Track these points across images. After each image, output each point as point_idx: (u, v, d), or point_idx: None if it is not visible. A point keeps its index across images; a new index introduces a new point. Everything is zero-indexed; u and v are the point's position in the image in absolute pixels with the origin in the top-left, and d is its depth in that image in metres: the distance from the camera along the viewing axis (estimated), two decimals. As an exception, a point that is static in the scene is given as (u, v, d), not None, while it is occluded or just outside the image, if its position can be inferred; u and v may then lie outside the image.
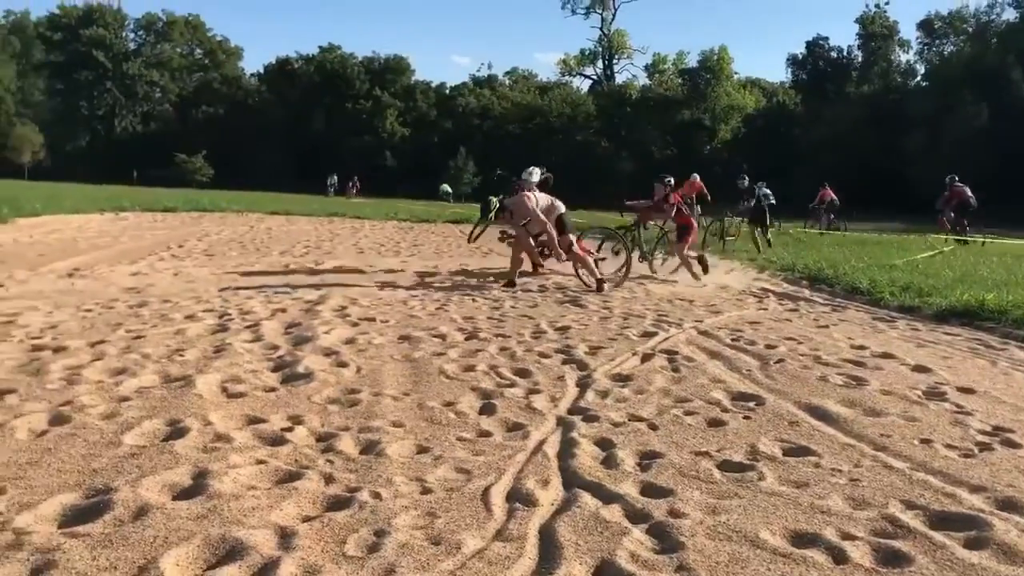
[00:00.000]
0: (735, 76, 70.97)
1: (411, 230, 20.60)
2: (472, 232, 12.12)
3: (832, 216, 25.76)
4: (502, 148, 63.72)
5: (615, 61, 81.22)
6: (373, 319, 6.78)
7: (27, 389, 4.21)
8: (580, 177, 48.30)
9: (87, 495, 2.87)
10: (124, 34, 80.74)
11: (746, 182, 19.86)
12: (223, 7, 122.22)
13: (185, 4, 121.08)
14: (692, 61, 72.94)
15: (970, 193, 20.49)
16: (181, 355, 5.17)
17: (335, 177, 48.99)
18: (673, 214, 11.48)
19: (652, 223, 12.30)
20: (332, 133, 67.23)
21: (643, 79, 77.46)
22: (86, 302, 7.18)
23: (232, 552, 2.48)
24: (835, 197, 25.77)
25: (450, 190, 49.04)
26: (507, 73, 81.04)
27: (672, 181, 11.89)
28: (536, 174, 10.79)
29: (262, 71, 79.49)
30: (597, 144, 66.09)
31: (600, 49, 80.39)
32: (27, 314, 6.43)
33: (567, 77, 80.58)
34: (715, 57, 69.78)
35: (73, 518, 2.69)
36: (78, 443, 3.41)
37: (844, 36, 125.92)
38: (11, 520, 2.62)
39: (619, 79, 79.59)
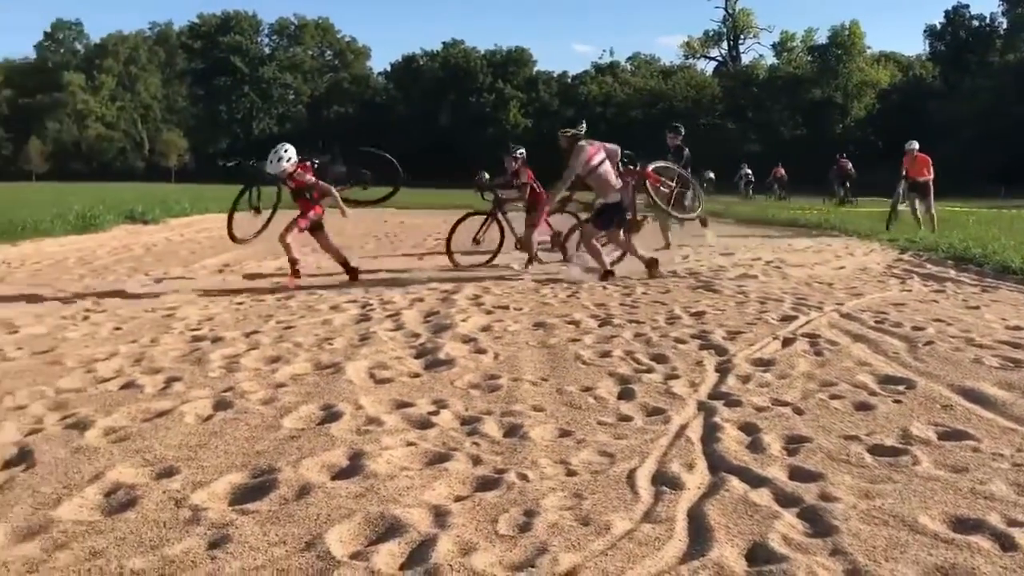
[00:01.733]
0: (868, 51, 68.06)
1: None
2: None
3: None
4: (626, 134, 63.17)
5: (741, 41, 79.25)
6: (507, 307, 6.88)
7: (191, 377, 4.49)
8: (706, 161, 47.36)
9: (253, 475, 3.04)
10: (259, 39, 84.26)
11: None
12: (351, 8, 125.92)
13: (315, 7, 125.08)
14: (821, 37, 70.46)
15: None
16: (330, 343, 5.39)
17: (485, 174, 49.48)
18: (528, 193, 10.45)
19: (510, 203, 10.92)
20: (456, 127, 68.27)
21: (770, 58, 75.31)
22: (237, 296, 7.57)
23: (391, 529, 2.58)
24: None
25: None
26: (629, 59, 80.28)
27: (524, 154, 10.74)
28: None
29: (389, 69, 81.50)
30: (723, 127, 64.73)
31: (725, 30, 78.55)
32: (185, 307, 6.84)
33: (691, 60, 79.21)
34: (846, 32, 67.11)
35: (242, 496, 2.86)
36: (241, 427, 3.62)
37: (986, 3, 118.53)
38: (187, 497, 2.80)
39: (745, 59, 77.60)
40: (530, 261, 10.10)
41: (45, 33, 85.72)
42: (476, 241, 10.81)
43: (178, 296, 7.54)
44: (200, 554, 2.40)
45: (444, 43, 77.97)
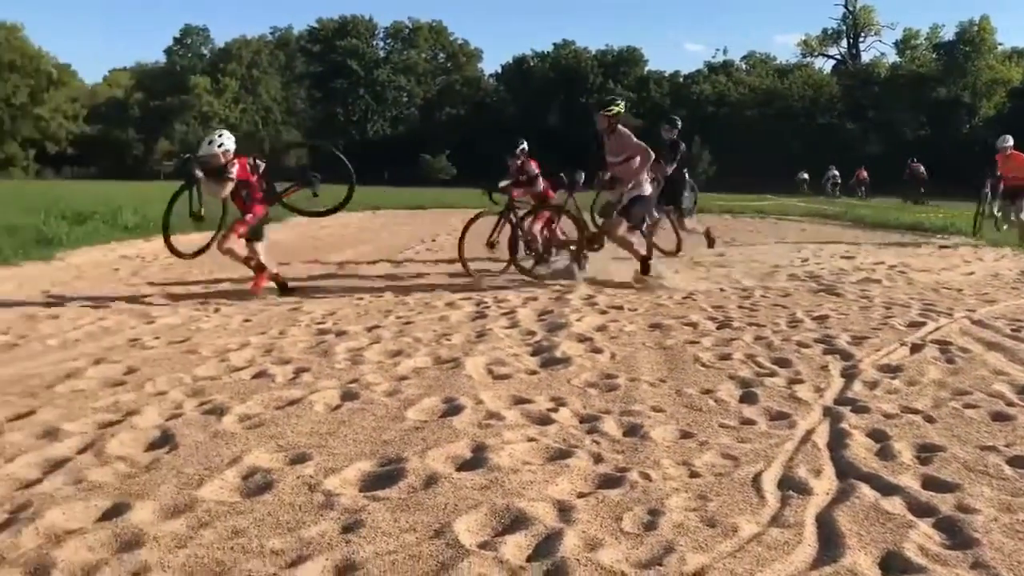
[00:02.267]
0: (999, 47, 64.75)
1: (649, 221, 20.55)
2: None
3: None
4: (739, 135, 62.00)
5: (861, 39, 76.59)
6: (621, 307, 6.85)
7: (318, 368, 4.65)
8: (822, 162, 46.08)
9: (381, 463, 3.13)
10: (375, 43, 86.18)
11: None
12: (464, 11, 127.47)
13: (429, 10, 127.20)
14: (948, 34, 67.41)
15: None
16: (448, 339, 5.49)
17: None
18: (540, 188, 9.89)
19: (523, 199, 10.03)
20: (565, 127, 68.28)
21: (892, 56, 72.50)
22: (357, 291, 7.79)
23: (517, 521, 2.61)
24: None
25: None
26: (743, 57, 78.57)
27: (526, 148, 10.03)
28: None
29: (500, 71, 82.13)
30: (841, 127, 62.73)
31: (845, 27, 76.07)
32: (308, 302, 7.08)
33: (808, 58, 76.98)
34: (975, 28, 64.01)
35: (372, 483, 2.94)
36: (368, 417, 3.72)
37: None
38: (320, 483, 2.91)
39: (865, 57, 74.96)
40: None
41: (174, 38, 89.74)
42: (491, 245, 9.68)
43: (301, 290, 7.80)
44: (335, 537, 2.48)
45: (555, 44, 78.14)
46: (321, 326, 5.97)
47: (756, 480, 3.04)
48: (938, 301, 7.34)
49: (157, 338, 5.48)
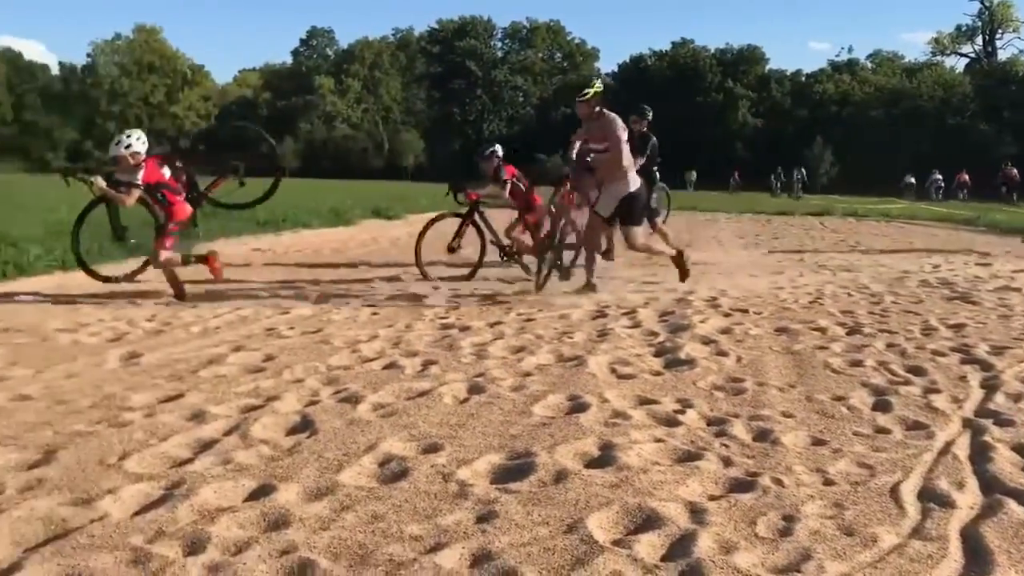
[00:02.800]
0: None
1: (769, 223, 20.10)
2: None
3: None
4: (863, 135, 59.91)
5: (998, 36, 72.84)
6: (746, 310, 6.74)
7: (445, 361, 4.75)
8: (952, 164, 44.14)
9: (510, 457, 3.18)
10: (493, 43, 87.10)
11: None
12: (582, 10, 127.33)
13: (547, 10, 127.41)
14: (1098, 29, 63.30)
15: None
16: (569, 337, 5.52)
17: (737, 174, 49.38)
18: (509, 192, 9.06)
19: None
20: (682, 127, 67.37)
21: (1032, 54, 68.62)
22: (478, 288, 7.91)
23: (649, 521, 2.61)
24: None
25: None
26: (869, 56, 75.93)
27: (499, 151, 9.27)
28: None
29: (616, 70, 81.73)
30: (973, 128, 59.76)
31: (980, 24, 72.49)
32: (433, 297, 7.24)
33: (939, 57, 73.77)
34: None
35: (502, 476, 3.00)
36: (495, 410, 3.78)
37: None
38: (454, 472, 2.98)
39: (1002, 55, 71.24)
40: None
41: (301, 40, 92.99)
42: (451, 250, 9.06)
43: (425, 286, 7.97)
44: (470, 527, 2.54)
45: (673, 42, 77.28)
46: (444, 321, 6.10)
47: (894, 490, 2.95)
48: (1087, 313, 6.92)
49: (291, 328, 5.71)
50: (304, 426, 3.51)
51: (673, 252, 7.88)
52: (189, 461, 3.09)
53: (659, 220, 10.94)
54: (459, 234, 9.02)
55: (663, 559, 2.38)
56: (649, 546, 2.44)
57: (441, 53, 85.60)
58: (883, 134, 59.71)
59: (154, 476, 2.93)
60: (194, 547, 2.39)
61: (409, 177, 71.06)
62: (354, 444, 3.27)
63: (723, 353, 5.12)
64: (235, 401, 3.85)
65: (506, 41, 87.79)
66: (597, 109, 7.34)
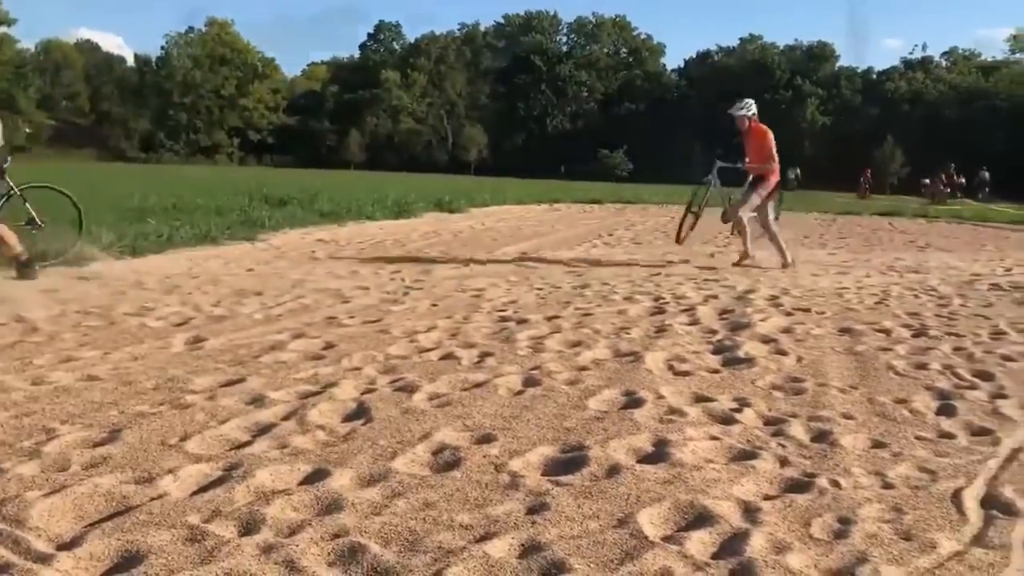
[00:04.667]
0: None
1: (834, 222, 19.71)
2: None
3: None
4: (936, 135, 58.36)
5: (1082, 32, 70.25)
6: (808, 310, 6.62)
7: (502, 353, 4.77)
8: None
9: (563, 450, 3.18)
10: (558, 38, 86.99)
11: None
12: (649, 5, 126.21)
13: (613, 4, 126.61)
14: None
15: None
16: (627, 333, 5.49)
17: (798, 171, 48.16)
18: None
19: None
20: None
21: (1121, 50, 66.04)
22: (537, 282, 7.91)
23: (701, 518, 2.59)
24: None
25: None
26: (944, 54, 73.83)
27: None
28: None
29: (683, 65, 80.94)
30: (1054, 128, 57.75)
31: (1064, 19, 69.97)
32: (491, 290, 7.26)
33: (1018, 54, 71.37)
34: None
35: (554, 468, 3.00)
36: (549, 404, 3.78)
37: None
38: (506, 463, 2.99)
39: (1088, 52, 68.66)
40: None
41: (368, 34, 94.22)
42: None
43: (485, 279, 8.01)
44: (520, 518, 2.55)
45: (741, 38, 76.30)
46: (502, 313, 6.12)
47: (956, 496, 2.87)
48: None
49: (352, 317, 5.78)
50: (360, 413, 3.56)
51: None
52: (247, 444, 3.16)
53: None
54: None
55: (714, 556, 2.35)
56: (700, 543, 2.42)
57: (506, 48, 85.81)
58: (957, 134, 58.07)
59: (213, 457, 3.00)
60: (249, 527, 2.44)
61: (472, 171, 71.39)
62: (408, 432, 3.31)
63: (783, 352, 5.04)
64: (294, 387, 3.92)
65: (571, 36, 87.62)
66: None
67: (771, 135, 9.48)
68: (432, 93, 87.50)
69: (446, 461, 3.01)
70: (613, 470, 2.96)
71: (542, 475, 2.94)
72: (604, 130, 74.23)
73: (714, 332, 5.60)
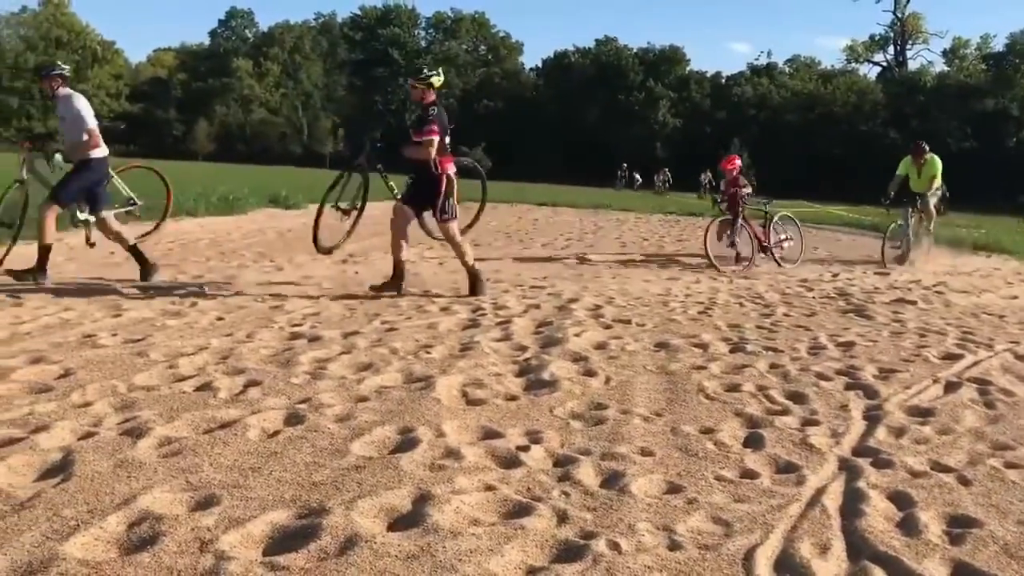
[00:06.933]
0: (1052, 59, 63.14)
1: (677, 223, 19.92)
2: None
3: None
4: (779, 138, 60.96)
5: (908, 46, 75.16)
6: (628, 321, 6.30)
7: (272, 382, 4.14)
8: (864, 170, 45.07)
9: (300, 514, 2.62)
10: (416, 32, 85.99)
11: None
12: (507, 3, 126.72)
13: (472, 1, 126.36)
14: (999, 45, 65.86)
15: None
16: (428, 352, 4.98)
17: (626, 167, 48.36)
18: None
19: None
20: (603, 125, 67.52)
21: (940, 65, 71.00)
22: (352, 288, 7.31)
23: (436, 611, 2.10)
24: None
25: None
26: (787, 61, 77.46)
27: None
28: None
29: (540, 65, 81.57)
30: (884, 135, 61.37)
31: (892, 34, 74.64)
32: (294, 300, 6.60)
33: (853, 64, 75.73)
34: (1027, 39, 62.45)
35: (278, 542, 2.44)
36: (305, 448, 3.22)
37: None
38: (216, 539, 2.41)
39: (912, 65, 73.49)
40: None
41: (219, 21, 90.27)
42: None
43: (294, 287, 7.34)
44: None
45: (597, 40, 77.46)
46: (296, 329, 5.48)
47: (748, 558, 2.51)
48: (977, 329, 6.72)
49: (114, 335, 5.01)
50: (60, 469, 2.89)
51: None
52: None
53: None
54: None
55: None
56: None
57: (364, 40, 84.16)
58: (798, 137, 60.85)
59: None
60: None
61: (328, 164, 69.55)
62: (109, 496, 2.67)
63: (591, 373, 4.65)
64: (-8, 431, 3.20)
65: (430, 31, 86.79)
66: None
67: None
68: (286, 83, 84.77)
69: (140, 538, 2.41)
70: (350, 543, 2.43)
71: (259, 553, 2.38)
72: (463, 126, 73.94)
73: (524, 349, 5.18)
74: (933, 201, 12.29)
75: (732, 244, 10.65)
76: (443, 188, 7.03)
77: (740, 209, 10.81)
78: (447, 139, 7.19)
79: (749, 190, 11.27)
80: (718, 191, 12.07)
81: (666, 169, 46.97)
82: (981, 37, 69.32)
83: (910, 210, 11.90)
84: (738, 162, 11.76)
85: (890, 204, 12.23)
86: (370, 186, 7.75)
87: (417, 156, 7.07)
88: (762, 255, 10.90)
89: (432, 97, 7.18)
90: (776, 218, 11.58)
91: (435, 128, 6.97)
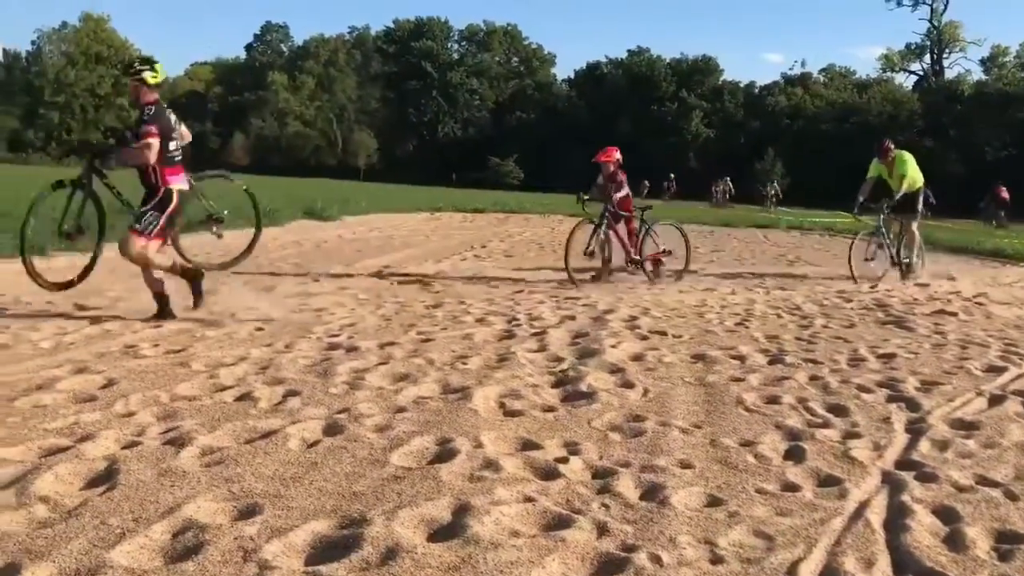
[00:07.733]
0: (1093, 66, 62.05)
1: (712, 234, 19.82)
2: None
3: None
4: (814, 149, 60.46)
5: (945, 55, 74.21)
6: (665, 333, 6.27)
7: (311, 392, 4.18)
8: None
9: (340, 524, 2.64)
10: (449, 45, 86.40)
11: None
12: (539, 15, 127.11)
13: (504, 13, 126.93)
14: (1038, 52, 64.73)
15: None
16: (464, 363, 4.98)
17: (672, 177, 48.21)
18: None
19: None
20: (636, 136, 67.35)
21: (978, 74, 70.00)
22: (387, 301, 7.35)
23: (479, 621, 2.10)
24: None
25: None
26: (822, 70, 76.69)
27: None
28: None
29: (572, 76, 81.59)
30: (920, 145, 60.51)
31: (928, 42, 73.74)
32: (332, 310, 6.65)
33: (889, 73, 74.87)
34: (1069, 46, 61.38)
35: (320, 552, 2.46)
36: (345, 458, 3.24)
37: None
38: (260, 548, 2.43)
39: (949, 74, 72.54)
40: None
41: (255, 35, 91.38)
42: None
43: (331, 298, 7.39)
44: (248, 632, 2.00)
45: (629, 51, 77.33)
46: (333, 339, 5.52)
47: (792, 572, 2.48)
48: (1021, 341, 6.59)
49: (156, 345, 5.10)
50: (106, 478, 2.94)
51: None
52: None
53: None
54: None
55: None
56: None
57: (397, 53, 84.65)
58: (833, 147, 60.24)
59: None
60: None
61: (361, 177, 70.07)
62: (154, 505, 2.71)
63: (629, 384, 4.63)
64: (38, 441, 3.26)
65: (463, 43, 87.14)
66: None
67: None
68: (321, 96, 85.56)
69: (185, 546, 2.43)
70: (391, 553, 2.44)
71: (302, 563, 2.39)
72: (495, 138, 73.99)
73: (560, 360, 5.16)
74: (918, 205, 11.15)
75: (589, 253, 9.43)
76: (158, 200, 6.15)
77: (608, 211, 9.57)
78: (175, 144, 6.26)
79: (625, 192, 9.96)
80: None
81: (728, 178, 45.53)
82: (1021, 45, 68.25)
83: (884, 215, 10.92)
84: (616, 155, 10.08)
85: (859, 211, 11.21)
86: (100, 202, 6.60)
87: (134, 162, 6.17)
88: (630, 267, 9.86)
89: (151, 97, 6.17)
90: (653, 227, 10.11)
91: (153, 130, 6.00)
